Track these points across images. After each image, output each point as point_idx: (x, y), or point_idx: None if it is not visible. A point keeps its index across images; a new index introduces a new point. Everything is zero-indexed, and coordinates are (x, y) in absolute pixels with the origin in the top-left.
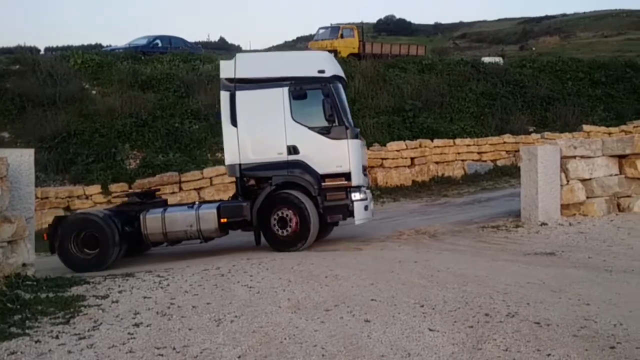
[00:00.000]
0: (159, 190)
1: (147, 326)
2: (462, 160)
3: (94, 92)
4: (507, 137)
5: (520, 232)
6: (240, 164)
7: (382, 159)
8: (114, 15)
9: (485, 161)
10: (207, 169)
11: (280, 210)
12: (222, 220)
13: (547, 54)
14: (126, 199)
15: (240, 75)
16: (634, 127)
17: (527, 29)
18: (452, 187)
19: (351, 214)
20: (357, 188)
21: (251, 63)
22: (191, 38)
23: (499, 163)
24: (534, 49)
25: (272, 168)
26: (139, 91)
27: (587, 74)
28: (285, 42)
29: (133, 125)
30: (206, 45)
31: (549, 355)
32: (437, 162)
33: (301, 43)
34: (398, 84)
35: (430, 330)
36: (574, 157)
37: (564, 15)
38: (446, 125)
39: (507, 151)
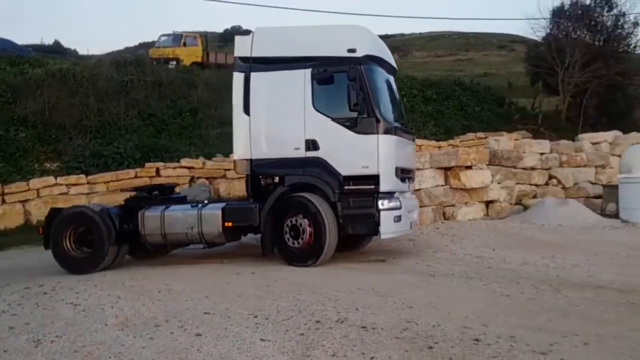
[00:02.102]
0: (177, 185)
1: None
2: None
3: None
4: None
5: None
6: (251, 160)
7: (225, 169)
8: None
9: None
10: (34, 180)
11: (294, 216)
12: (226, 223)
13: None
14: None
15: (257, 53)
16: (461, 141)
17: None
18: None
19: (377, 225)
20: (387, 194)
21: (271, 39)
22: (22, 41)
23: None
24: None
25: (287, 166)
26: None
27: (420, 91)
28: (127, 47)
29: None
30: (39, 48)
31: (372, 358)
32: None
33: (143, 49)
34: None
35: (262, 340)
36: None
37: (402, 34)
38: None
39: None
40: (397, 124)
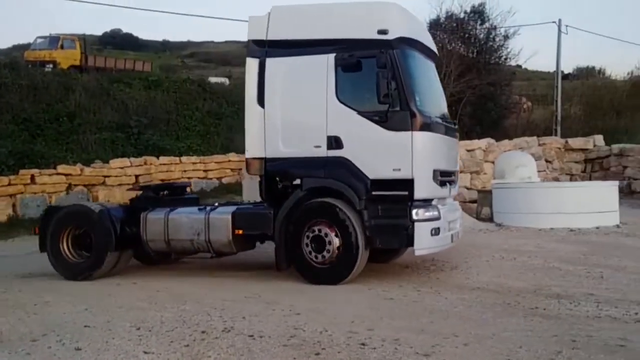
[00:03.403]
0: (189, 184)
1: None
2: (189, 178)
3: None
4: (232, 156)
5: None
6: (265, 158)
7: (105, 176)
8: None
9: (211, 179)
10: None
11: (316, 225)
12: (236, 231)
13: None
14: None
15: (273, 36)
16: None
17: None
18: None
19: (410, 238)
20: (423, 202)
21: (290, 19)
22: None
23: (224, 180)
24: None
25: (306, 166)
26: None
27: None
28: None
29: None
30: None
31: None
32: (162, 180)
33: (17, 51)
34: (123, 99)
35: (146, 353)
36: None
37: None
38: (173, 143)
39: (232, 169)
40: (436, 119)
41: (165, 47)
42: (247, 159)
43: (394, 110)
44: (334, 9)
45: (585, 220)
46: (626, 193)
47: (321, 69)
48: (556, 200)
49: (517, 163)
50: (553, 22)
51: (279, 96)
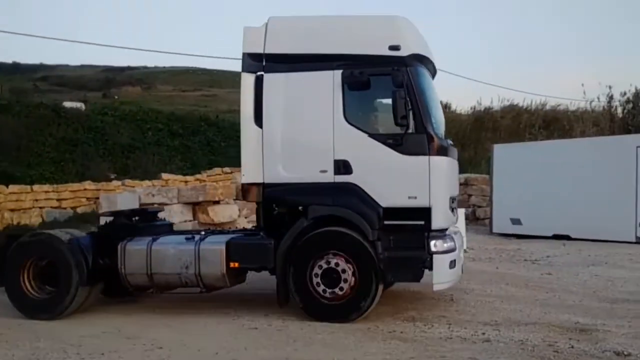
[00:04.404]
0: (161, 210)
1: None
2: (41, 208)
3: None
4: (88, 184)
5: None
6: (263, 184)
7: None
8: None
9: (65, 208)
10: None
11: (327, 257)
12: (232, 263)
13: (129, 103)
14: (111, 218)
15: (271, 49)
16: (208, 176)
17: (110, 78)
18: None
19: (422, 272)
20: (440, 233)
21: (290, 31)
22: None
23: (79, 210)
24: (116, 97)
25: (311, 193)
26: None
27: (166, 125)
28: None
29: None
30: None
31: None
32: (12, 210)
33: None
34: None
35: None
36: (153, 204)
37: (146, 67)
38: (23, 171)
39: (87, 198)
40: (447, 141)
41: (16, 69)
42: (242, 184)
43: (409, 133)
44: (339, 22)
45: None
46: (471, 219)
47: (326, 87)
48: None
49: None
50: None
51: (279, 115)
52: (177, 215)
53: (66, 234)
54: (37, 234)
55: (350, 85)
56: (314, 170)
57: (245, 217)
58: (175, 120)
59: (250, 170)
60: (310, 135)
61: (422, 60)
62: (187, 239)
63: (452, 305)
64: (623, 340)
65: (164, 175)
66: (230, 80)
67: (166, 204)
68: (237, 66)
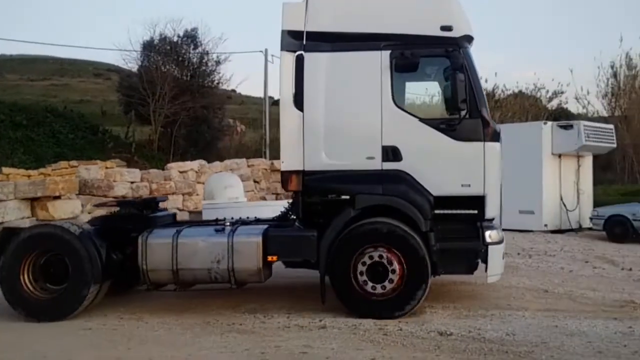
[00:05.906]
0: (165, 199)
1: None
2: None
3: None
4: None
5: None
6: (304, 171)
7: None
8: None
9: None
10: None
11: (374, 250)
12: (269, 257)
13: None
14: (117, 209)
15: (313, 27)
16: (53, 170)
17: None
18: None
19: (476, 265)
20: (490, 223)
21: (333, 8)
22: None
23: None
24: None
25: (358, 181)
26: None
27: (8, 115)
28: None
29: None
30: None
31: None
32: None
33: None
34: None
35: None
36: None
37: None
38: None
39: None
40: (499, 127)
41: None
42: (282, 172)
43: (464, 117)
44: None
45: None
46: None
47: (373, 68)
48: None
49: (226, 184)
50: (260, 51)
51: (321, 98)
52: (13, 212)
53: (75, 225)
54: (41, 226)
55: (400, 67)
56: (360, 156)
57: (89, 213)
58: (18, 110)
59: (290, 157)
60: (356, 120)
61: (470, 42)
62: (216, 230)
63: (292, 295)
64: (447, 321)
65: (5, 170)
66: (84, 69)
67: (1, 200)
68: (90, 55)
